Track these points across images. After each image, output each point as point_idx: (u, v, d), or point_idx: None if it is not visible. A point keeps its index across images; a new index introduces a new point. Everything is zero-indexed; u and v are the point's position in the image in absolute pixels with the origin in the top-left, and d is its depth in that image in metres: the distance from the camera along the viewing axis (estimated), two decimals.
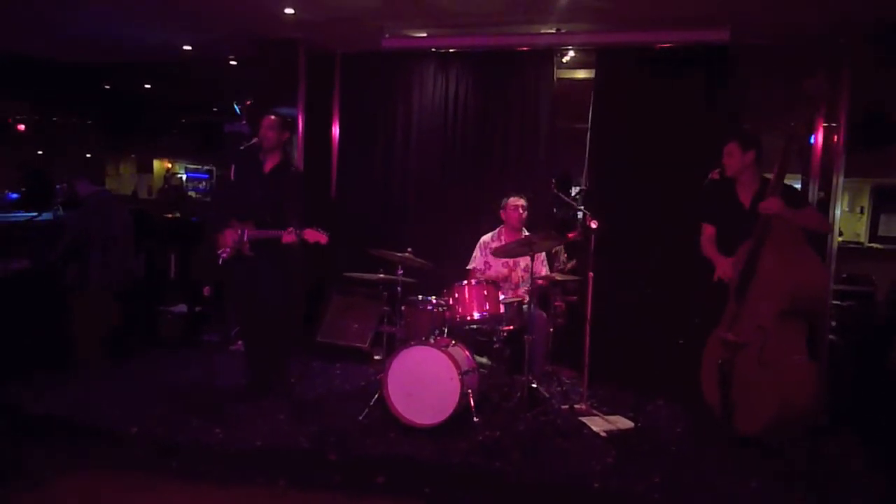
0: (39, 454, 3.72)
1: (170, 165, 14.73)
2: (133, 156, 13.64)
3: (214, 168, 15.60)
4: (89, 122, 9.49)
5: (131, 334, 5.23)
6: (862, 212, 9.66)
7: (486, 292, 4.27)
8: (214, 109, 10.12)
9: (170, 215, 7.03)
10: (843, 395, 4.42)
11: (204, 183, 15.67)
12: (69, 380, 4.55)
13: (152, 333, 5.71)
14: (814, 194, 4.98)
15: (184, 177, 14.98)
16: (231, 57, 6.46)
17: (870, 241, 9.74)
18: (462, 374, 3.88)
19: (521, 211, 4.92)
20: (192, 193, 13.77)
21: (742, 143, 3.89)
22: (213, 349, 5.38)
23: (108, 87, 8.46)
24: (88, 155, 8.29)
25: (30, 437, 3.87)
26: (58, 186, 4.97)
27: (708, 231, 4.09)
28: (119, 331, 4.93)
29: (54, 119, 9.52)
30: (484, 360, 4.67)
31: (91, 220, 4.59)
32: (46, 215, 5.11)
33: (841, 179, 4.72)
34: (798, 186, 5.18)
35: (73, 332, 4.72)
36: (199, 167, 15.47)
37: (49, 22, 5.58)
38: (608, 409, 4.38)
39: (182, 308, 5.85)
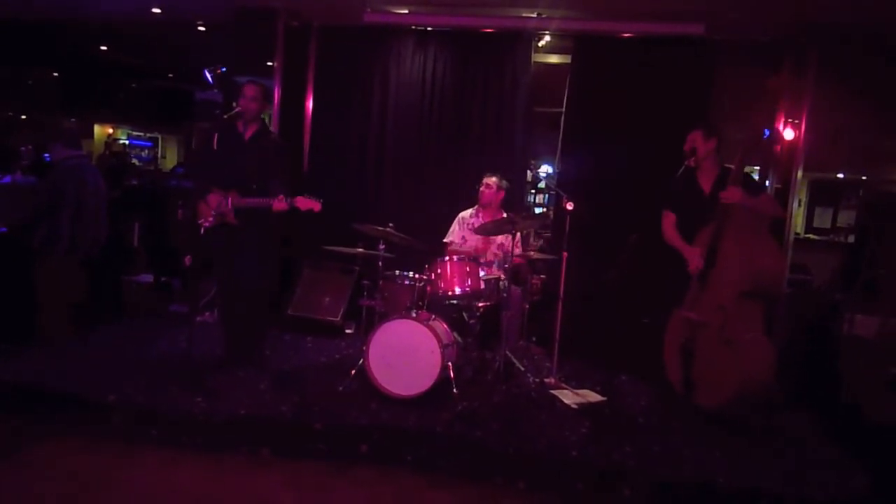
0: (10, 423, 3.65)
1: (111, 131, 14.14)
2: (73, 119, 13.03)
3: (160, 135, 15.10)
4: (47, 82, 9.04)
5: (97, 303, 5.10)
6: (799, 204, 10.19)
7: (468, 268, 4.36)
8: (170, 75, 9.80)
9: (135, 182, 6.82)
10: (792, 373, 4.73)
11: (147, 151, 15.14)
12: (36, 348, 4.41)
13: (117, 303, 5.57)
14: (771, 186, 5.27)
15: (126, 143, 14.43)
16: (200, 23, 6.29)
17: (806, 232, 10.34)
18: (443, 347, 3.98)
19: (490, 188, 5.03)
20: (134, 161, 13.29)
21: (705, 131, 4.10)
22: (182, 320, 5.29)
23: (62, 47, 8.08)
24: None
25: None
26: (22, 149, 4.73)
27: (670, 218, 4.26)
28: (85, 299, 4.79)
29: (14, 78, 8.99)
30: (454, 335, 4.78)
31: (64, 184, 4.44)
32: (6, 179, 4.88)
33: (800, 173, 5.01)
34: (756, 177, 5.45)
35: (39, 299, 4.57)
36: (143, 134, 14.92)
37: None
38: (576, 384, 4.55)
39: (147, 278, 5.72)
